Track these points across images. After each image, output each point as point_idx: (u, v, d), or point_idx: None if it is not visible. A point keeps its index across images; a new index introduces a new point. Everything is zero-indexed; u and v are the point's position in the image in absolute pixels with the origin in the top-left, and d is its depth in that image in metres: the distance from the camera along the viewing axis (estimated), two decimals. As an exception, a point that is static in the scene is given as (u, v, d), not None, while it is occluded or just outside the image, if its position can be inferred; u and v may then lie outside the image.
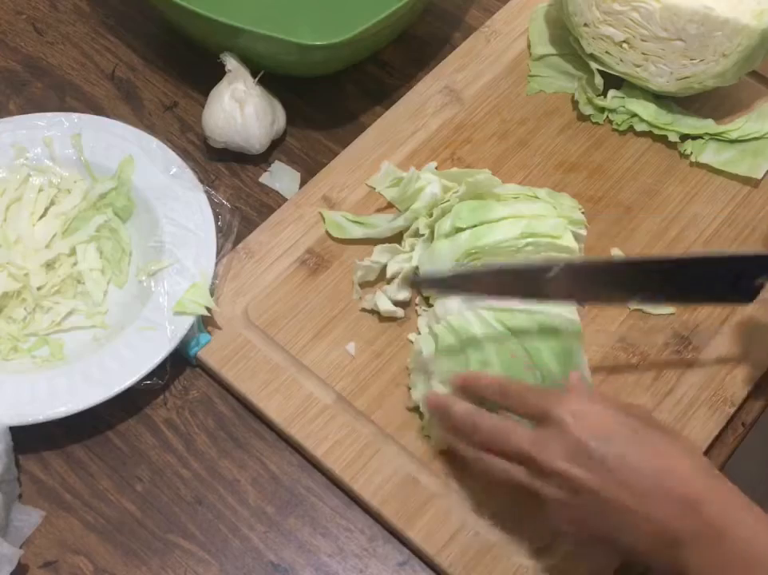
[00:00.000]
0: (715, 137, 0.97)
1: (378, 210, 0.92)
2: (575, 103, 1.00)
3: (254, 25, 0.89)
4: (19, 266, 0.86)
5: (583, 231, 0.86)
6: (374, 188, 0.93)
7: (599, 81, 0.98)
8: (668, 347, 0.86)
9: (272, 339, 0.85)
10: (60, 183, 0.91)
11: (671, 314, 0.87)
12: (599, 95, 0.98)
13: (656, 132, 0.98)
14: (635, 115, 0.98)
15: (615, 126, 0.99)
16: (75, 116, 0.94)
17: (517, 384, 0.73)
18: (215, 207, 0.90)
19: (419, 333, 0.84)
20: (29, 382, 0.81)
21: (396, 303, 0.86)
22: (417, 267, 0.86)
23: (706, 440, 0.81)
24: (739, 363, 0.85)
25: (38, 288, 0.86)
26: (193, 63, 1.03)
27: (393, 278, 0.87)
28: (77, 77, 1.03)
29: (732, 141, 0.96)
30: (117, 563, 0.77)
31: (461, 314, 0.80)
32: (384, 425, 0.81)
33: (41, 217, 0.90)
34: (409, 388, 0.82)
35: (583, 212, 0.87)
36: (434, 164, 0.94)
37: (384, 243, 0.89)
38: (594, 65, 0.98)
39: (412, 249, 0.87)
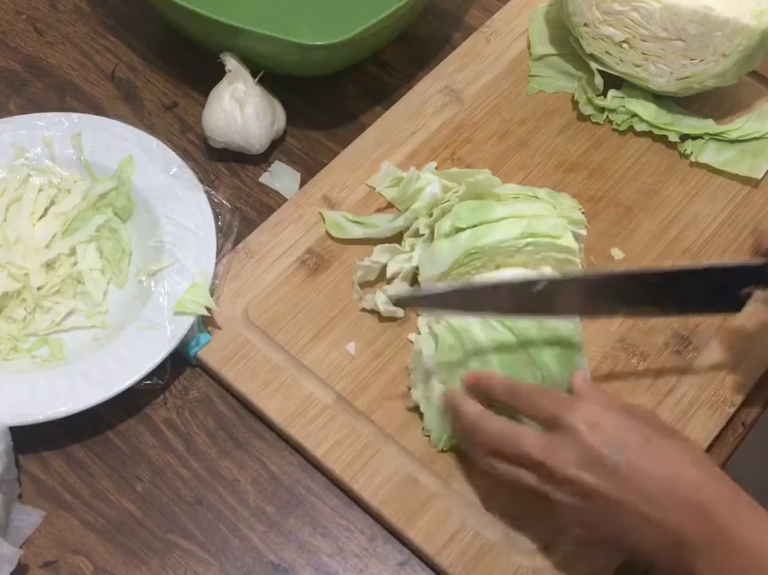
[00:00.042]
0: (715, 137, 0.97)
1: (378, 210, 0.92)
2: (575, 103, 1.00)
3: (254, 25, 0.89)
4: (19, 266, 0.86)
5: (583, 232, 0.86)
6: (374, 188, 0.93)
7: (599, 81, 0.98)
8: (668, 347, 0.86)
9: (272, 339, 0.85)
10: (60, 183, 0.91)
11: (671, 314, 0.87)
12: (599, 95, 0.98)
13: (656, 132, 0.98)
14: (635, 115, 0.98)
15: (615, 126, 0.99)
16: (75, 116, 0.94)
17: (527, 385, 0.73)
18: (215, 207, 0.90)
19: (419, 333, 0.84)
20: (29, 382, 0.81)
21: (396, 303, 0.86)
22: (417, 267, 0.86)
23: (706, 440, 0.81)
24: (739, 363, 0.85)
25: (38, 288, 0.86)
26: (193, 63, 1.03)
27: (393, 278, 0.87)
28: (77, 77, 1.03)
29: (732, 141, 0.96)
30: (117, 563, 0.77)
31: (461, 314, 0.80)
32: (384, 425, 0.81)
33: (41, 217, 0.90)
34: (409, 388, 0.82)
35: (583, 212, 0.87)
36: (434, 164, 0.94)
37: (384, 243, 0.89)
38: (594, 65, 0.98)
39: (412, 249, 0.87)
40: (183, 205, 0.89)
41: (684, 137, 0.97)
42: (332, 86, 1.03)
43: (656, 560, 0.68)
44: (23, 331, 0.85)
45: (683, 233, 0.92)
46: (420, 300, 0.79)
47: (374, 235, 0.90)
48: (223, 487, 0.80)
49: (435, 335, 0.80)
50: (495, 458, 0.72)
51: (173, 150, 0.92)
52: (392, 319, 0.86)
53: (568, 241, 0.83)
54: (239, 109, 0.93)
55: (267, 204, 0.95)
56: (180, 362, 0.85)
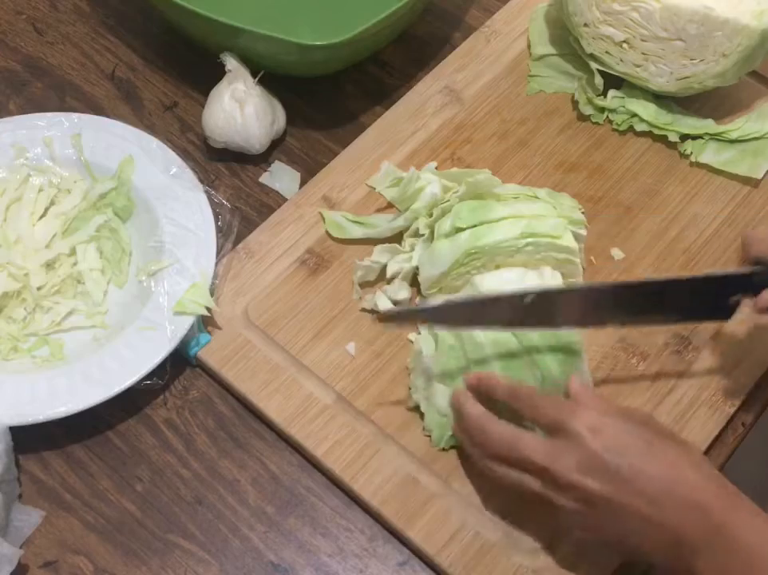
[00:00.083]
0: (715, 137, 0.97)
1: (378, 210, 0.92)
2: (575, 103, 1.00)
3: (254, 25, 0.89)
4: (19, 266, 0.86)
5: (583, 232, 0.86)
6: (374, 188, 0.93)
7: (599, 81, 0.98)
8: (668, 347, 0.86)
9: (272, 339, 0.85)
10: (60, 183, 0.91)
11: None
12: (599, 95, 0.99)
13: (656, 132, 0.98)
14: (635, 115, 0.98)
15: (615, 126, 0.99)
16: (75, 116, 0.94)
17: (528, 390, 0.73)
18: (215, 207, 0.90)
19: (419, 333, 0.84)
20: (29, 382, 0.81)
21: (396, 303, 0.86)
22: (417, 267, 0.86)
23: (706, 440, 0.81)
24: (739, 363, 0.85)
25: (38, 288, 0.86)
26: (193, 63, 1.03)
27: (393, 278, 0.87)
28: (77, 77, 1.03)
29: (732, 141, 0.97)
30: (117, 563, 0.77)
31: (461, 313, 0.80)
32: (384, 425, 0.81)
33: (41, 217, 0.90)
34: (410, 388, 0.82)
35: (583, 212, 0.87)
36: (434, 164, 0.94)
37: (384, 243, 0.89)
38: (594, 65, 0.98)
39: (412, 249, 0.87)
40: (183, 205, 0.89)
41: (684, 137, 0.97)
42: (332, 86, 1.03)
43: (657, 560, 0.69)
44: (23, 331, 0.85)
45: (683, 233, 0.92)
46: (409, 316, 0.79)
47: (374, 235, 0.90)
48: (223, 487, 0.80)
49: (435, 334, 0.80)
50: (495, 461, 0.72)
51: (173, 150, 0.92)
52: (392, 319, 0.86)
53: (568, 241, 0.83)
54: (239, 109, 0.93)
55: (267, 204, 0.95)
56: (180, 362, 0.85)
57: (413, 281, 0.87)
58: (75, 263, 0.88)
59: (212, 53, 0.95)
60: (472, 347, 0.78)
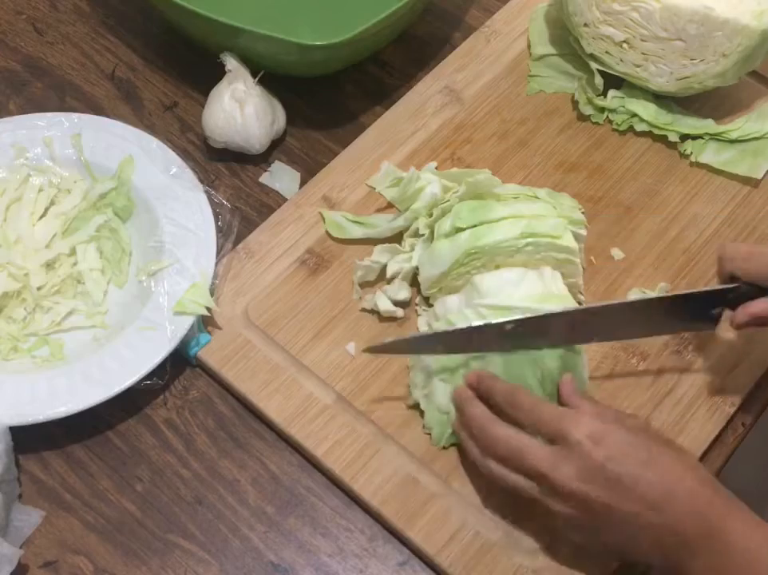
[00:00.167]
0: (715, 137, 0.97)
1: (378, 210, 0.92)
2: (575, 103, 1.00)
3: (254, 25, 0.89)
4: (19, 266, 0.86)
5: (583, 232, 0.86)
6: (374, 188, 0.93)
7: (599, 81, 0.98)
8: (668, 347, 0.86)
9: (272, 339, 0.85)
10: (60, 183, 0.91)
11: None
12: (599, 95, 0.99)
13: (656, 132, 0.98)
14: (635, 115, 0.98)
15: (615, 126, 0.99)
16: (75, 116, 0.94)
17: (528, 398, 0.73)
18: (215, 207, 0.90)
19: (419, 331, 0.84)
20: (29, 382, 0.81)
21: (396, 303, 0.86)
22: (417, 267, 0.86)
23: (706, 440, 0.81)
24: (739, 363, 0.85)
25: (38, 288, 0.86)
26: (193, 63, 1.03)
27: (393, 278, 0.87)
28: (77, 77, 1.03)
29: (732, 141, 0.97)
30: (117, 563, 0.77)
31: (460, 312, 0.80)
32: (384, 425, 0.81)
33: (41, 217, 0.90)
34: (409, 386, 0.82)
35: (583, 212, 0.87)
36: (434, 164, 0.94)
37: (384, 243, 0.89)
38: (594, 65, 0.98)
39: (412, 249, 0.87)
40: (183, 205, 0.89)
41: (684, 137, 0.97)
42: (332, 86, 1.03)
43: (655, 562, 0.70)
44: (23, 331, 0.85)
45: (683, 233, 0.92)
46: (395, 347, 0.79)
47: (374, 235, 0.90)
48: (223, 487, 0.80)
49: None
50: (493, 461, 0.73)
51: (173, 150, 0.92)
52: (392, 318, 0.86)
53: (568, 241, 0.83)
54: (239, 109, 0.93)
55: (267, 204, 0.95)
56: (180, 362, 0.85)
57: (413, 281, 0.87)
58: (75, 263, 0.88)
59: (212, 53, 0.95)
60: (472, 347, 0.78)
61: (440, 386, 0.79)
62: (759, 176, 0.95)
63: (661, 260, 0.91)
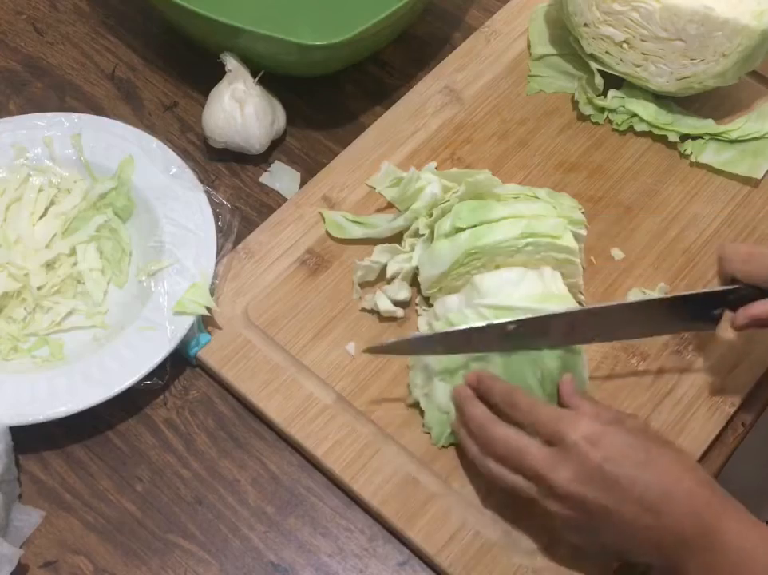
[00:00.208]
0: (715, 137, 0.97)
1: (378, 210, 0.92)
2: (575, 103, 1.00)
3: (254, 25, 0.89)
4: (19, 266, 0.86)
5: (583, 231, 0.86)
6: (374, 188, 0.93)
7: (599, 81, 0.98)
8: (668, 347, 0.86)
9: (272, 339, 0.85)
10: (60, 183, 0.91)
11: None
12: (599, 95, 0.99)
13: (656, 132, 0.98)
14: (635, 115, 0.98)
15: (615, 126, 0.99)
16: (75, 116, 0.94)
17: (526, 397, 0.73)
18: (215, 207, 0.90)
19: (419, 331, 0.84)
20: (29, 382, 0.81)
21: (396, 303, 0.86)
22: (417, 267, 0.86)
23: (706, 440, 0.81)
24: (739, 363, 0.85)
25: (38, 288, 0.86)
26: (193, 63, 1.03)
27: (393, 278, 0.87)
28: (77, 77, 1.03)
29: (732, 141, 0.97)
30: (117, 563, 0.77)
31: (460, 312, 0.80)
32: (384, 425, 0.81)
33: (41, 217, 0.90)
34: (408, 385, 0.82)
35: (583, 212, 0.87)
36: (434, 164, 0.94)
37: (384, 243, 0.89)
38: (594, 65, 0.98)
39: (412, 249, 0.87)
40: (183, 205, 0.89)
41: (684, 137, 0.97)
42: (332, 86, 1.03)
43: (653, 562, 0.70)
44: (23, 331, 0.85)
45: (683, 233, 0.92)
46: (396, 348, 0.79)
47: (374, 235, 0.90)
48: (223, 487, 0.80)
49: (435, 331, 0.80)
50: (492, 461, 0.73)
51: (173, 150, 0.92)
52: (392, 318, 0.86)
53: (568, 241, 0.83)
54: (239, 109, 0.93)
55: (267, 204, 0.95)
56: (180, 362, 0.85)
57: (413, 281, 0.87)
58: (75, 263, 0.88)
59: (212, 53, 0.95)
60: (472, 347, 0.78)
61: (440, 385, 0.79)
62: (759, 176, 0.95)
63: (661, 260, 0.91)
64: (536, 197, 0.86)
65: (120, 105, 1.01)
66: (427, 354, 0.79)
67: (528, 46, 1.04)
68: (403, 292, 0.86)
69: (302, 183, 0.96)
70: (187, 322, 0.83)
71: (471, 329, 0.76)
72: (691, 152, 0.97)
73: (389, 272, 0.87)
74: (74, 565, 0.77)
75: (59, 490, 0.80)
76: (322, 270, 0.89)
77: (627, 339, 0.85)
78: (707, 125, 0.97)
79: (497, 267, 0.82)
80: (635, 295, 0.88)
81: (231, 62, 0.93)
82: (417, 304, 0.87)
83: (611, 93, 0.99)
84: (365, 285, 0.88)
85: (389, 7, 0.91)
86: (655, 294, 0.88)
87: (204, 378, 0.85)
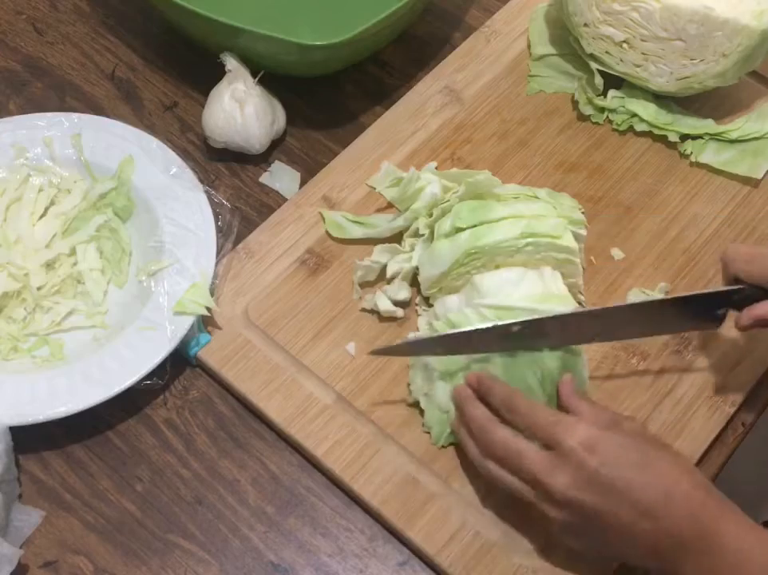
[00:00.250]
0: (715, 137, 0.97)
1: (378, 210, 0.92)
2: (575, 103, 1.00)
3: (254, 25, 0.89)
4: (19, 266, 0.86)
5: (583, 231, 0.86)
6: (374, 188, 0.93)
7: (599, 81, 0.98)
8: (668, 347, 0.86)
9: (272, 339, 0.85)
10: (60, 183, 0.91)
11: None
12: (599, 95, 0.99)
13: (656, 132, 0.98)
14: (635, 115, 0.98)
15: (615, 126, 0.99)
16: (75, 116, 0.94)
17: (525, 400, 0.73)
18: (215, 207, 0.90)
19: (419, 331, 0.84)
20: (29, 382, 0.81)
21: (396, 303, 0.86)
22: (417, 267, 0.86)
23: (706, 440, 0.81)
24: (739, 363, 0.85)
25: (38, 288, 0.86)
26: (193, 63, 1.03)
27: (393, 278, 0.87)
28: (77, 77, 1.03)
29: (732, 141, 0.97)
30: (117, 563, 0.77)
31: (461, 311, 0.80)
32: (384, 425, 0.81)
33: (41, 217, 0.90)
34: (408, 384, 0.82)
35: (583, 212, 0.87)
36: (434, 164, 0.94)
37: (384, 243, 0.89)
38: (594, 65, 0.98)
39: (412, 249, 0.87)
40: (183, 205, 0.89)
41: (684, 137, 0.97)
42: (332, 86, 1.03)
43: (650, 565, 0.70)
44: (23, 331, 0.85)
45: (683, 233, 0.92)
46: (400, 350, 0.80)
47: (374, 235, 0.90)
48: (223, 487, 0.80)
49: (435, 331, 0.80)
50: (492, 462, 0.73)
51: (173, 150, 0.92)
52: (392, 318, 0.86)
53: (568, 241, 0.83)
54: (239, 109, 0.93)
55: (267, 204, 0.95)
56: (180, 362, 0.85)
57: (413, 281, 0.87)
58: (75, 263, 0.88)
59: (212, 53, 0.95)
60: (472, 347, 0.78)
61: (440, 385, 0.79)
62: (759, 176, 0.95)
63: (661, 260, 0.91)
64: (536, 197, 0.86)
65: (120, 105, 1.01)
66: (431, 356, 0.79)
67: (528, 46, 1.04)
68: (403, 292, 0.86)
69: (302, 183, 0.96)
70: (187, 322, 0.83)
71: (474, 331, 0.76)
72: (691, 152, 0.97)
73: (389, 272, 0.87)
74: (74, 565, 0.77)
75: (59, 490, 0.80)
76: (322, 270, 0.89)
77: (629, 338, 0.85)
78: (707, 125, 0.97)
79: (497, 267, 0.82)
80: (635, 295, 0.88)
81: (231, 62, 0.93)
82: (417, 304, 0.87)
83: (611, 93, 0.99)
84: (365, 285, 0.88)
85: (389, 7, 0.91)
86: (655, 294, 0.88)
87: (204, 378, 0.85)
